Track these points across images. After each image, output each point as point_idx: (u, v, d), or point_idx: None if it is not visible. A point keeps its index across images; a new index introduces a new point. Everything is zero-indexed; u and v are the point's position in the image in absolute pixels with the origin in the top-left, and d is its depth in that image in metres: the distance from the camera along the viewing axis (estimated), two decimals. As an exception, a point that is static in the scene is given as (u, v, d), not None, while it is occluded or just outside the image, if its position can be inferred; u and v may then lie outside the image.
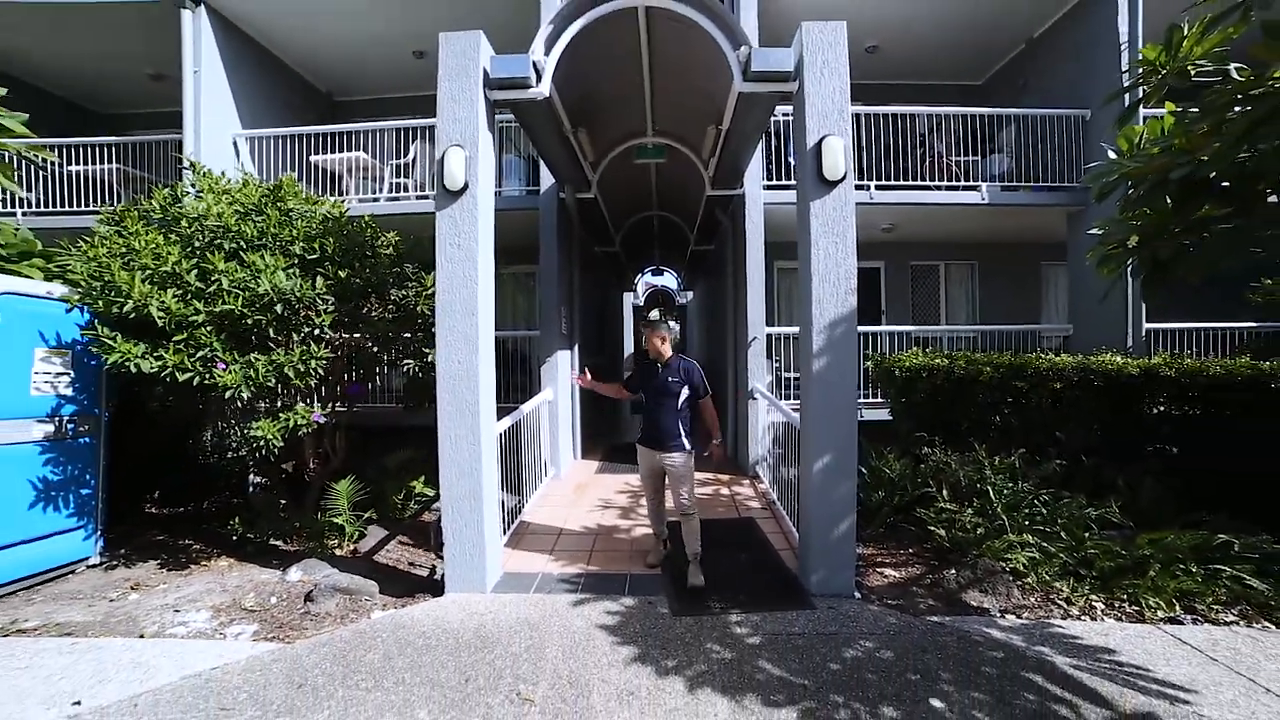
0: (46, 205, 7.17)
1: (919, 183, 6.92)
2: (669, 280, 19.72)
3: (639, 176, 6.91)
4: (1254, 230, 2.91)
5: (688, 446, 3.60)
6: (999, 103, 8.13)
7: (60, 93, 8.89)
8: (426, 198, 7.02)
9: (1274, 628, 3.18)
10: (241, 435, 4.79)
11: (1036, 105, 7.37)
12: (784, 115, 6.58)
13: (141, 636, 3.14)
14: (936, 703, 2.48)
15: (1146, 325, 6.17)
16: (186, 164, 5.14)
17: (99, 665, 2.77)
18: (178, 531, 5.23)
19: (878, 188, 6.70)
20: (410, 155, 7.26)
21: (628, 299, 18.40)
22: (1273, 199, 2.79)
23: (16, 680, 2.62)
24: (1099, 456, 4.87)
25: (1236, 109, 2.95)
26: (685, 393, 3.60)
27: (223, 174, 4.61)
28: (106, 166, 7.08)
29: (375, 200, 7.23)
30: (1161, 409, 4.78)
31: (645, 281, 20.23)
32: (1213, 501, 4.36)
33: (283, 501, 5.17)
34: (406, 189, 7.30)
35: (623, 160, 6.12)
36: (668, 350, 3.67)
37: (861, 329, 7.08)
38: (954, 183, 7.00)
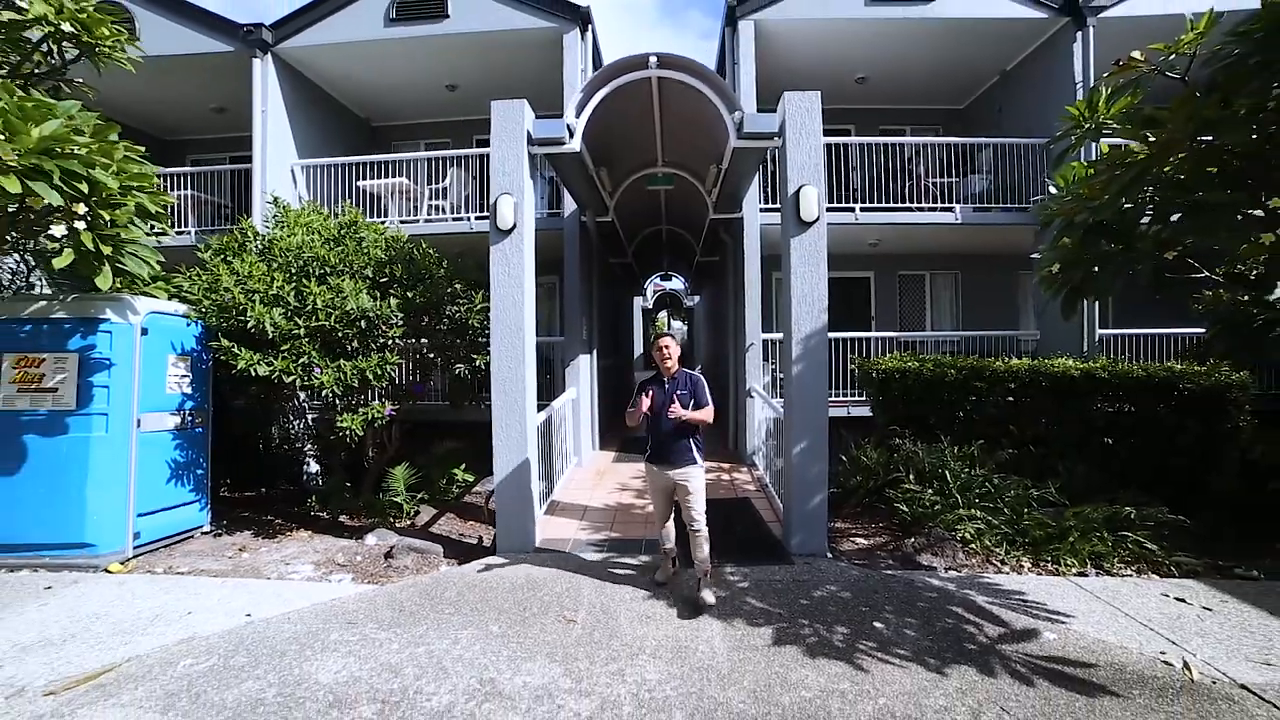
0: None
1: (901, 205, 7.72)
2: (677, 284, 20.57)
3: (650, 198, 7.77)
4: (1133, 263, 3.78)
5: (700, 460, 3.55)
6: (979, 124, 8.91)
7: (130, 122, 9.86)
8: (461, 219, 7.92)
9: (1156, 577, 3.99)
10: (310, 429, 5.71)
11: (1012, 129, 8.16)
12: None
13: (269, 579, 4.05)
14: (878, 624, 3.32)
15: (1100, 331, 6.95)
16: (269, 199, 6.05)
17: (249, 595, 3.68)
18: (256, 509, 6.16)
19: (863, 210, 7.52)
20: (446, 181, 8.16)
21: (638, 302, 19.25)
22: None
23: (197, 602, 3.54)
24: (1045, 446, 5.66)
25: (1118, 170, 3.84)
26: (693, 406, 3.54)
27: (285, 204, 5.51)
28: (183, 193, 8.02)
29: (414, 221, 8.12)
30: (1098, 406, 5.55)
31: (655, 285, 21.10)
32: (1138, 483, 5.15)
33: (347, 484, 6.08)
34: (443, 210, 8.20)
35: (636, 186, 6.99)
36: (674, 364, 3.62)
37: (852, 334, 7.96)
38: (933, 204, 7.78)
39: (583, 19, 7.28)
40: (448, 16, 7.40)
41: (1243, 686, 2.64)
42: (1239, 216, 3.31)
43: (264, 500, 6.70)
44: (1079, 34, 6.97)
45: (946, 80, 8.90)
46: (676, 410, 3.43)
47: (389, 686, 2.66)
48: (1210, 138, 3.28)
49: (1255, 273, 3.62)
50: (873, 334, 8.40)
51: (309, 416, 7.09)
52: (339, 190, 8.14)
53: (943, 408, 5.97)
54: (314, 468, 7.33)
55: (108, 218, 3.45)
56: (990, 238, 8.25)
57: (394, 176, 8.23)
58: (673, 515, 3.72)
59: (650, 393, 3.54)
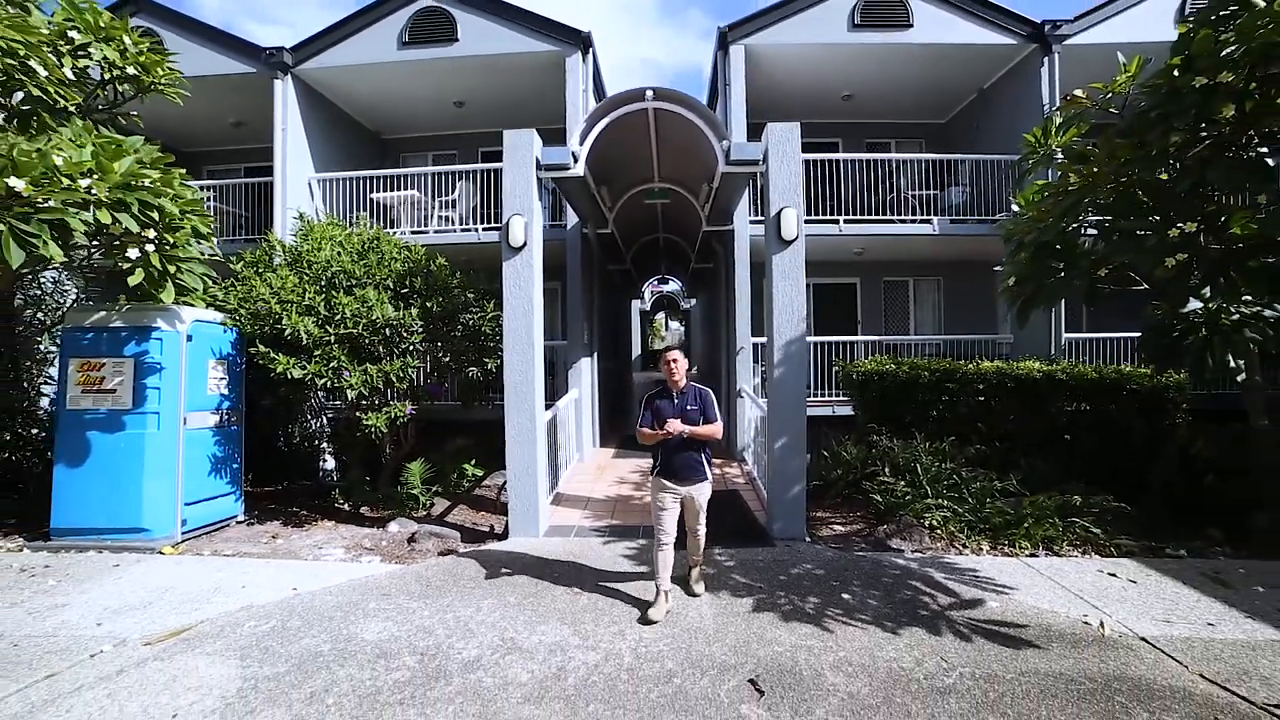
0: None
1: (883, 217, 8.23)
2: (673, 286, 21.09)
3: (647, 211, 8.26)
4: (1073, 279, 4.30)
5: (710, 476, 3.55)
6: (960, 138, 9.42)
7: (151, 136, 10.32)
8: (469, 230, 8.40)
9: (1098, 557, 4.49)
10: (324, 429, 6.19)
11: (988, 146, 8.66)
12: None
13: (306, 560, 4.54)
14: (845, 595, 3.81)
15: (1066, 335, 7.47)
16: (295, 214, 6.53)
17: (292, 573, 4.16)
18: (281, 502, 6.64)
19: (846, 221, 8.02)
20: (455, 194, 8.64)
21: (635, 305, 19.74)
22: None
23: (247, 578, 4.02)
24: (1011, 442, 6.17)
25: (1060, 197, 4.38)
26: (702, 421, 3.48)
27: (310, 220, 5.99)
28: (210, 206, 8.49)
29: (424, 231, 8.60)
30: (1058, 406, 6.06)
31: (652, 288, 21.63)
32: (1093, 475, 5.66)
33: (367, 479, 6.56)
34: (451, 221, 8.68)
35: (634, 200, 7.48)
36: (682, 379, 3.53)
37: (837, 339, 8.47)
38: (912, 216, 8.29)
39: (584, 43, 7.76)
40: (457, 40, 7.89)
41: (1142, 639, 3.15)
42: (1160, 239, 3.82)
43: (286, 494, 7.16)
44: (1045, 59, 7.49)
45: (928, 98, 9.41)
46: (675, 425, 3.35)
47: (424, 643, 3.14)
48: (1130, 173, 3.80)
49: (1174, 288, 4.13)
50: (858, 338, 8.91)
51: (325, 416, 7.59)
52: (353, 202, 8.62)
53: (917, 407, 6.47)
54: (329, 464, 7.82)
55: (170, 240, 3.93)
56: (968, 247, 8.75)
57: (405, 189, 8.71)
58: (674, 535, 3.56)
59: (659, 408, 3.49)
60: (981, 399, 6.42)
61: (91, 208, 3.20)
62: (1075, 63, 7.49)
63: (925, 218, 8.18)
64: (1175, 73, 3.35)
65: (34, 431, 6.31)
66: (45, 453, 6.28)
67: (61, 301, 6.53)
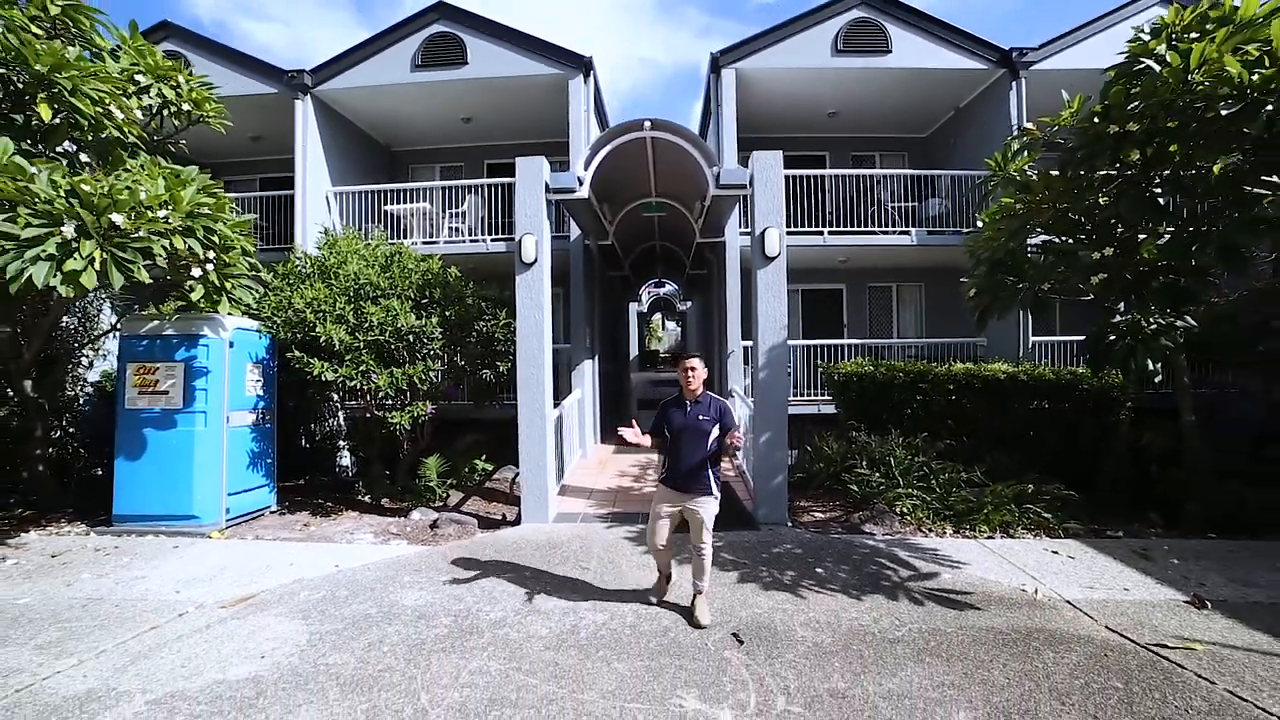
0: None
1: (865, 228, 8.80)
2: (670, 289, 21.68)
3: (645, 222, 8.82)
4: (1021, 292, 4.87)
5: (716, 493, 3.44)
6: (941, 151, 10.01)
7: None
8: (477, 240, 8.94)
9: (1048, 538, 5.06)
10: (342, 427, 6.73)
11: (964, 161, 9.25)
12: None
13: (340, 544, 5.08)
14: (819, 570, 4.37)
15: (1033, 338, 8.07)
16: (320, 230, 7.06)
17: (331, 553, 4.70)
18: (305, 495, 7.16)
19: (831, 233, 8.60)
20: (464, 206, 9.18)
21: (633, 307, 20.31)
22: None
23: (293, 558, 4.56)
24: (977, 437, 6.74)
25: (1010, 219, 4.96)
26: (715, 431, 3.37)
27: (334, 235, 6.52)
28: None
29: (435, 242, 9.13)
30: (1019, 404, 6.64)
31: (649, 291, 22.23)
32: (1052, 467, 6.23)
33: (387, 473, 7.09)
34: (460, 232, 9.22)
35: (633, 213, 8.03)
36: (699, 387, 3.43)
37: (824, 342, 9.03)
38: (893, 228, 8.87)
39: (585, 66, 8.31)
40: (467, 63, 8.43)
41: (1067, 601, 3.72)
42: (1088, 259, 4.40)
43: (308, 488, 7.68)
44: (1013, 83, 8.09)
45: (909, 114, 10.00)
46: (629, 433, 3.32)
47: (456, 607, 3.68)
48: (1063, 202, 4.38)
49: (1107, 301, 4.72)
50: (844, 341, 9.48)
51: (341, 415, 8.13)
52: (366, 213, 9.15)
53: (893, 406, 7.04)
54: (345, 461, 8.36)
55: (226, 259, 4.46)
56: (947, 255, 9.33)
57: (415, 202, 9.24)
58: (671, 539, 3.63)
59: (670, 416, 3.41)
60: (952, 398, 6.98)
61: (168, 235, 3.73)
62: (1041, 86, 8.08)
63: (904, 229, 8.76)
64: (1096, 119, 3.93)
65: (73, 430, 6.83)
66: (89, 450, 6.82)
67: (96, 314, 7.06)
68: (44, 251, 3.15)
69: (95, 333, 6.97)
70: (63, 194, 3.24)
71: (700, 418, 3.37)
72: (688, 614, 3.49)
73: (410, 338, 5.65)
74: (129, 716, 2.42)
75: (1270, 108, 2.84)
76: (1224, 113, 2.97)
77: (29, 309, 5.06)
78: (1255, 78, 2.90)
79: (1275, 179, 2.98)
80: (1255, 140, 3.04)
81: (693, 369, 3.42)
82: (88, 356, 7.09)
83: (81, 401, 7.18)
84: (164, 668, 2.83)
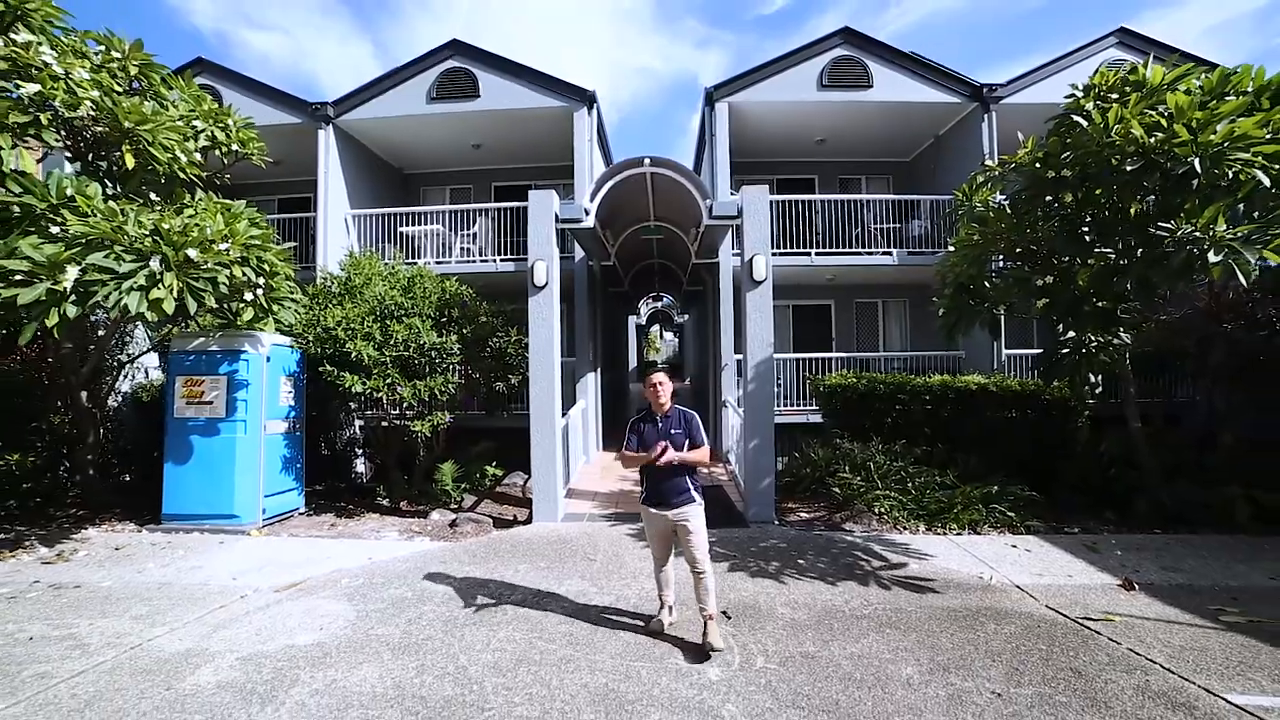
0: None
1: (850, 249, 9.41)
2: (667, 301, 22.32)
3: (644, 242, 9.42)
4: (983, 311, 5.43)
5: (699, 499, 3.41)
6: (924, 174, 10.65)
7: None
8: (487, 261, 9.51)
9: (1011, 535, 5.59)
10: (357, 436, 7.25)
11: (943, 185, 9.87)
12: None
13: (369, 540, 5.58)
14: (801, 561, 4.89)
15: (1006, 352, 8.65)
16: (345, 252, 7.64)
17: (362, 548, 5.21)
18: (327, 499, 7.66)
19: (817, 254, 9.20)
20: (475, 228, 9.78)
21: (632, 320, 20.91)
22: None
23: (329, 552, 5.07)
24: (952, 443, 7.28)
25: (969, 248, 5.54)
26: (687, 445, 3.38)
27: (356, 257, 7.10)
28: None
29: (446, 261, 9.71)
30: (990, 412, 7.19)
31: (648, 304, 22.87)
32: (1019, 470, 6.77)
33: (406, 478, 7.61)
34: (470, 253, 9.81)
35: (633, 235, 8.63)
36: (667, 402, 3.44)
37: (813, 355, 9.60)
38: (875, 248, 9.48)
39: (589, 99, 8.95)
40: (479, 96, 9.06)
41: (1017, 586, 4.24)
42: (1034, 285, 4.96)
43: (328, 493, 8.18)
44: (985, 116, 8.74)
45: (893, 141, 10.66)
46: (669, 454, 3.24)
47: (481, 590, 4.19)
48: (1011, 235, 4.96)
49: (1050, 323, 5.29)
50: (832, 354, 10.05)
51: (358, 424, 8.65)
52: (381, 234, 9.74)
53: (874, 415, 7.59)
54: (361, 467, 8.87)
55: (273, 285, 5.01)
56: (927, 274, 9.89)
57: (429, 224, 9.84)
58: (671, 556, 3.58)
59: (643, 432, 3.43)
60: (928, 408, 7.53)
61: (229, 265, 4.29)
62: (1010, 117, 8.73)
63: (887, 250, 9.37)
64: (1038, 164, 4.52)
65: (111, 438, 7.34)
66: (123, 456, 7.33)
67: (131, 332, 7.60)
68: (136, 283, 3.70)
69: (130, 349, 7.51)
70: (148, 231, 3.79)
71: (673, 431, 3.37)
72: (696, 650, 3.23)
73: (432, 353, 6.20)
74: (225, 668, 2.93)
75: (1167, 165, 3.43)
76: (1128, 168, 3.55)
77: (90, 327, 5.59)
78: (1153, 140, 3.48)
79: (1169, 224, 3.56)
80: (1154, 190, 3.63)
81: (660, 384, 3.41)
82: (126, 370, 7.61)
83: (110, 411, 7.69)
84: (242, 635, 3.35)
